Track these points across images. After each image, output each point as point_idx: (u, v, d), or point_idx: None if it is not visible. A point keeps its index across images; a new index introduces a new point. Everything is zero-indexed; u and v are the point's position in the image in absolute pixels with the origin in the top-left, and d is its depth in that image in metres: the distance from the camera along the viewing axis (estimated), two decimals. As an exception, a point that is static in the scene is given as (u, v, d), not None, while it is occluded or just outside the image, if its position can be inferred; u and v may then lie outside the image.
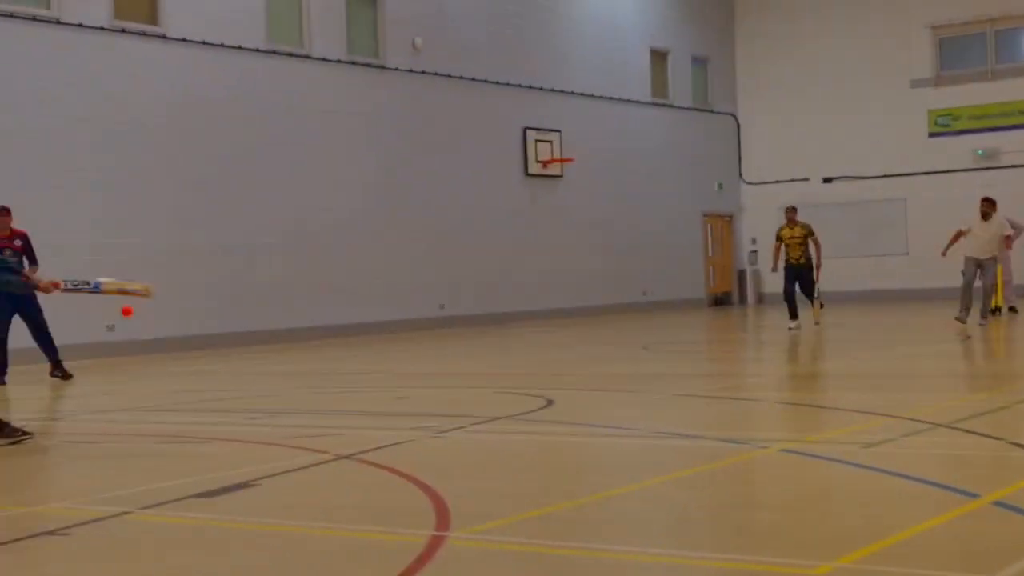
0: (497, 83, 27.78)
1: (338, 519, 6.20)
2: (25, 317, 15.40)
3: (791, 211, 20.60)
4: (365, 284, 24.48)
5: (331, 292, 23.85)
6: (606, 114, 30.91)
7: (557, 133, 29.07)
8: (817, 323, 20.56)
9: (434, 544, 5.43)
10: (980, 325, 18.79)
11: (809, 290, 20.40)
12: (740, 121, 35.68)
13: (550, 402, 10.96)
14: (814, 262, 20.23)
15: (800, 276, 20.32)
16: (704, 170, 34.23)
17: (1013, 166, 31.54)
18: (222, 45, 22.30)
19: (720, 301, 34.96)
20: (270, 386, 14.44)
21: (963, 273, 18.33)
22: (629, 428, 9.33)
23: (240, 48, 22.59)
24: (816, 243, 20.24)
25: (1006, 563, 4.75)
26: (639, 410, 10.62)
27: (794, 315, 20.14)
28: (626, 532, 5.78)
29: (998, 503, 5.90)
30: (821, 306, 20.87)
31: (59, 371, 15.77)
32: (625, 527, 5.89)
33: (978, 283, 18.31)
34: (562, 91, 29.59)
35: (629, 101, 31.76)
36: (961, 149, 32.27)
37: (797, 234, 20.24)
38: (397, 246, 25.21)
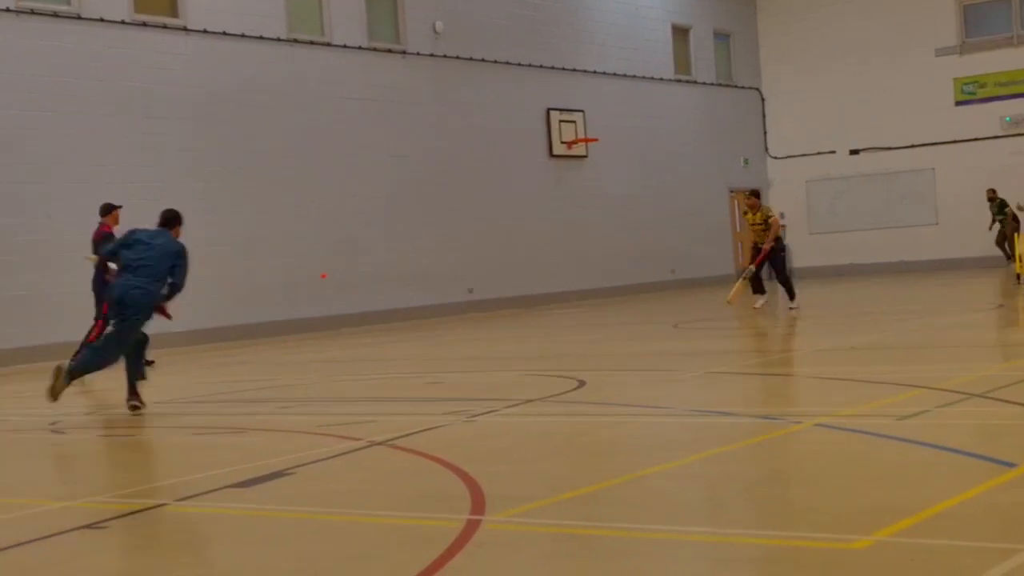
0: (519, 64, 27.71)
1: (374, 505, 6.21)
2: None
3: (751, 197, 20.08)
4: (391, 270, 24.49)
5: (358, 280, 23.87)
6: (629, 92, 30.79)
7: (580, 113, 28.99)
8: (729, 302, 20.33)
9: (470, 528, 5.43)
10: None
11: (776, 268, 20.00)
12: (764, 95, 35.48)
13: (581, 383, 10.95)
14: (778, 243, 19.69)
15: (768, 259, 19.94)
16: (730, 146, 34.07)
17: (1042, 132, 31.32)
18: (243, 36, 22.32)
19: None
20: (302, 375, 14.48)
21: None
22: (661, 407, 9.31)
23: (261, 38, 22.61)
24: (770, 225, 19.62)
25: (1046, 533, 4.72)
26: (671, 388, 10.60)
27: (764, 291, 20.01)
28: (661, 511, 5.77)
29: (1036, 472, 5.87)
30: (746, 279, 20.01)
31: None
32: (660, 506, 5.88)
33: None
34: (584, 70, 29.48)
35: (652, 78, 31.62)
36: (988, 116, 32.01)
37: (758, 220, 19.91)
38: (423, 231, 25.21)
